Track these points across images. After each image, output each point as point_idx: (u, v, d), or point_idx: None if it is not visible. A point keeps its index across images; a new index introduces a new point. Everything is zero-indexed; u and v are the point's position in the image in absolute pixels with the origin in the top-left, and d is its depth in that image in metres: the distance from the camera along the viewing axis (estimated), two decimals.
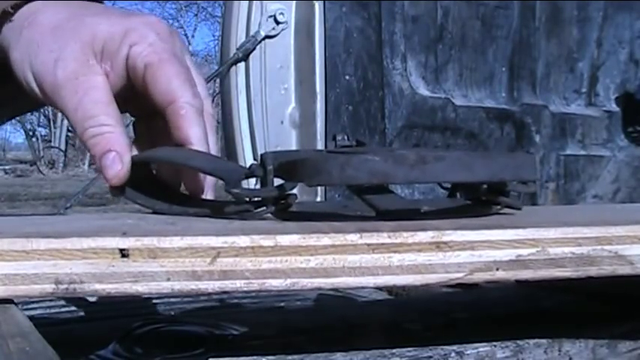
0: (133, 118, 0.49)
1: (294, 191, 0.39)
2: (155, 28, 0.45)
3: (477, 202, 0.41)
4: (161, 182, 0.47)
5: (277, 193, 0.37)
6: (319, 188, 1.15)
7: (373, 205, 0.38)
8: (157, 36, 0.44)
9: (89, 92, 0.42)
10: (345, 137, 0.47)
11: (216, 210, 0.41)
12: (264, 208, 0.38)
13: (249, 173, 0.39)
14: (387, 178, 0.34)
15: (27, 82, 0.44)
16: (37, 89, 0.44)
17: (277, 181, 0.38)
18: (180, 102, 0.43)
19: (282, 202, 0.38)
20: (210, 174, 0.43)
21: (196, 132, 0.43)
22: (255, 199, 0.39)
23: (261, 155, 0.39)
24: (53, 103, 0.44)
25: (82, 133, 0.42)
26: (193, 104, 0.43)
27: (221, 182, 0.42)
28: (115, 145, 0.42)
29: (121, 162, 0.42)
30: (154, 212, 0.43)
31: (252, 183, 0.55)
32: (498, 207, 0.40)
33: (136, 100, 0.45)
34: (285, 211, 0.39)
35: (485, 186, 0.41)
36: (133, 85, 0.44)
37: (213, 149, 0.46)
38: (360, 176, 0.34)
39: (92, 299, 0.75)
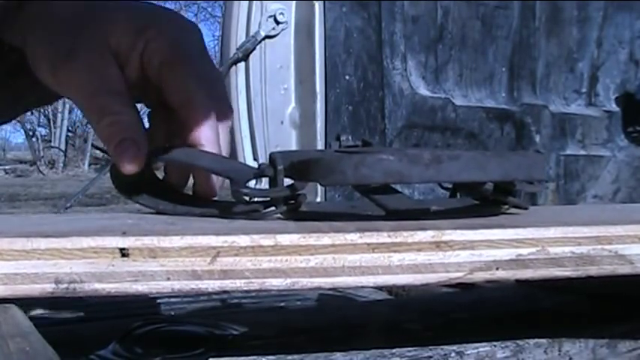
0: (148, 109, 0.48)
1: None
2: (175, 24, 0.44)
3: (485, 202, 0.41)
4: (164, 182, 0.46)
5: (289, 192, 0.37)
6: (319, 189, 1.15)
7: (382, 205, 0.38)
8: (175, 33, 0.44)
9: (104, 82, 0.42)
10: (349, 137, 0.47)
11: (223, 210, 0.40)
12: (274, 208, 0.38)
13: (259, 173, 0.39)
14: (402, 178, 0.34)
15: (41, 72, 0.43)
16: (50, 79, 0.43)
17: (287, 182, 0.38)
18: (192, 103, 0.42)
19: (292, 202, 0.38)
20: (218, 174, 0.43)
21: (208, 134, 0.42)
22: (265, 199, 0.39)
23: (271, 155, 0.39)
24: (67, 93, 0.43)
25: (97, 122, 0.41)
26: (206, 105, 0.43)
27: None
28: (131, 133, 0.41)
29: (138, 149, 0.41)
30: (158, 213, 0.43)
31: (252, 184, 0.54)
32: (506, 207, 0.40)
33: (152, 91, 0.44)
34: (295, 211, 0.39)
35: (491, 186, 0.41)
36: (148, 78, 0.44)
37: (225, 150, 0.45)
38: (374, 176, 0.34)
39: (92, 299, 0.75)
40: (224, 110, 0.46)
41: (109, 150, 0.41)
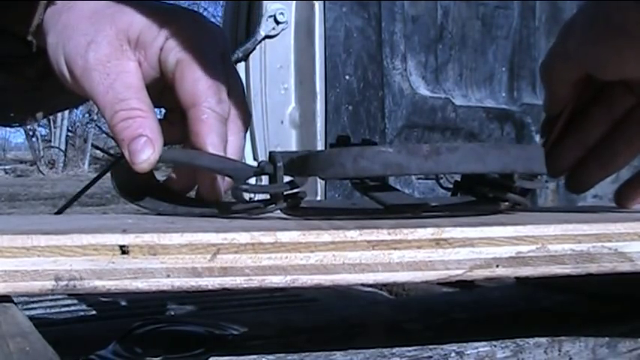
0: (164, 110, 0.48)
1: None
2: (196, 24, 0.44)
3: (484, 199, 0.41)
4: (164, 184, 0.46)
5: (289, 188, 0.37)
6: (319, 189, 1.15)
7: (381, 202, 0.38)
8: (195, 34, 0.43)
9: (121, 76, 0.41)
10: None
11: (223, 210, 0.40)
12: (274, 205, 0.38)
13: (259, 171, 0.39)
14: (401, 170, 0.34)
15: (58, 65, 0.43)
16: (67, 73, 0.43)
17: (287, 179, 0.38)
18: (202, 106, 0.42)
19: (292, 198, 0.38)
20: (218, 173, 0.43)
21: (214, 140, 0.42)
22: (265, 196, 0.39)
23: (270, 153, 0.39)
24: (82, 87, 0.42)
25: (111, 116, 0.41)
26: (216, 110, 0.42)
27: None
28: (146, 130, 0.40)
29: (153, 147, 0.40)
30: (158, 214, 0.43)
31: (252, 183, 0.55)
32: (506, 203, 0.40)
33: (168, 91, 0.44)
34: (296, 208, 0.39)
35: (488, 185, 0.41)
36: (165, 78, 0.43)
37: (237, 155, 0.44)
38: (374, 168, 0.34)
39: (92, 299, 0.75)
40: (239, 117, 0.45)
41: (122, 146, 0.41)
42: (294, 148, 1.20)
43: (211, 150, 0.42)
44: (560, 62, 0.46)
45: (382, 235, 0.31)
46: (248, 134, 1.23)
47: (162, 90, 0.44)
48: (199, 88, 0.42)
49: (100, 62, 0.41)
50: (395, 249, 0.31)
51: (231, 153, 0.44)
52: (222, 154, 0.42)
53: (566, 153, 0.48)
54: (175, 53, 0.42)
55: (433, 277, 0.31)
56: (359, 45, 1.22)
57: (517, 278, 0.50)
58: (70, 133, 11.12)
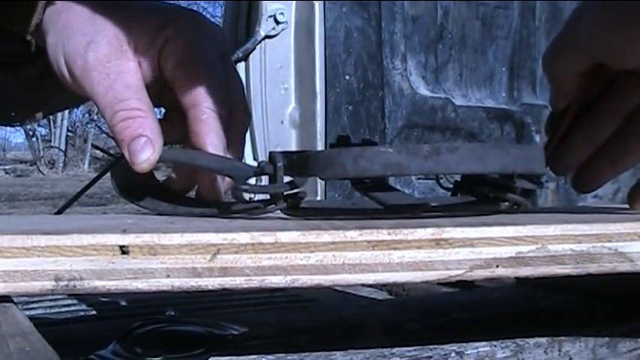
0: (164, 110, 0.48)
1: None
2: (195, 25, 0.44)
3: (484, 199, 0.41)
4: (164, 184, 0.46)
5: (289, 188, 0.37)
6: (319, 189, 1.15)
7: (381, 202, 0.38)
8: (195, 34, 0.43)
9: (121, 76, 0.41)
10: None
11: (223, 210, 0.40)
12: (274, 205, 0.38)
13: (259, 171, 0.39)
14: (401, 170, 0.34)
15: (58, 65, 0.43)
16: (66, 73, 0.43)
17: (287, 179, 0.38)
18: (202, 106, 0.42)
19: (292, 198, 0.38)
20: (218, 172, 0.43)
21: (213, 140, 0.42)
22: (265, 196, 0.39)
23: (270, 153, 0.39)
24: (81, 87, 0.42)
25: (111, 116, 0.41)
26: (215, 110, 0.42)
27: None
28: (146, 130, 0.40)
29: (153, 147, 0.40)
30: (158, 214, 0.43)
31: (252, 183, 0.55)
32: (506, 203, 0.40)
33: (168, 91, 0.44)
34: (296, 208, 0.39)
35: (488, 185, 0.41)
36: (164, 77, 0.43)
37: (237, 155, 0.45)
38: (374, 168, 0.34)
39: (92, 299, 0.75)
40: (238, 117, 0.45)
41: (122, 146, 0.41)
42: (294, 148, 1.20)
43: (211, 150, 0.42)
44: (568, 51, 0.44)
45: (382, 235, 0.31)
46: (248, 134, 1.23)
47: (162, 90, 0.44)
48: (199, 88, 0.42)
49: (99, 62, 0.41)
50: (395, 249, 0.31)
51: (231, 153, 0.44)
52: (222, 154, 0.42)
53: (574, 150, 0.47)
54: (175, 53, 0.42)
55: (433, 277, 0.31)
56: (359, 45, 1.22)
57: (517, 278, 0.50)
58: (70, 133, 11.12)
